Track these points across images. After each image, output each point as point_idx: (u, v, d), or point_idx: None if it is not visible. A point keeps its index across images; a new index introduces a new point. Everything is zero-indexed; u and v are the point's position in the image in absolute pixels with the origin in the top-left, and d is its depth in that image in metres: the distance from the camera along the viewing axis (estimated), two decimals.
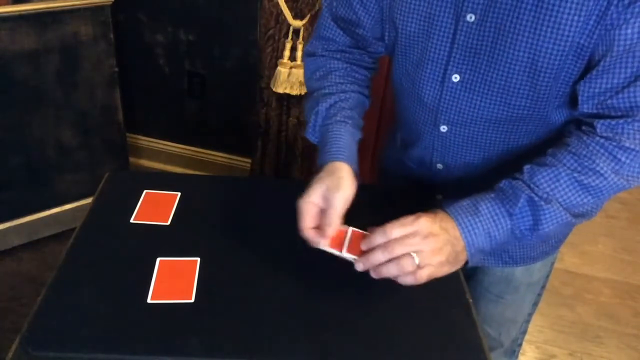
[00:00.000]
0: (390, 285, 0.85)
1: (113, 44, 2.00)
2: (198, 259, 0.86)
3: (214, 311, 0.78)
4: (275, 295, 0.81)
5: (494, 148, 0.96)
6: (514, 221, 0.81)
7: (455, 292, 0.85)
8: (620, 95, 0.80)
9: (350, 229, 0.84)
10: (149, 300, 0.78)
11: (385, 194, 1.07)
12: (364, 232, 0.83)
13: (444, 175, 1.04)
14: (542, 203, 0.80)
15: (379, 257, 0.76)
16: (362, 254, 0.79)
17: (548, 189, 0.81)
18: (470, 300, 0.84)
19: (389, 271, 0.76)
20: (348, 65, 1.03)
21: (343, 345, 0.74)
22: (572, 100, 0.87)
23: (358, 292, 0.83)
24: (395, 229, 0.77)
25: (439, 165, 1.03)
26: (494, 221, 0.80)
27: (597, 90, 0.81)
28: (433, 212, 0.80)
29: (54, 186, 2.10)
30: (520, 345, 1.28)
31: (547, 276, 1.17)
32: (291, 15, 1.98)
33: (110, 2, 1.93)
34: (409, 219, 0.78)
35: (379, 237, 0.77)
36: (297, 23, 1.99)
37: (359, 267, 0.78)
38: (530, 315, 1.22)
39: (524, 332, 1.25)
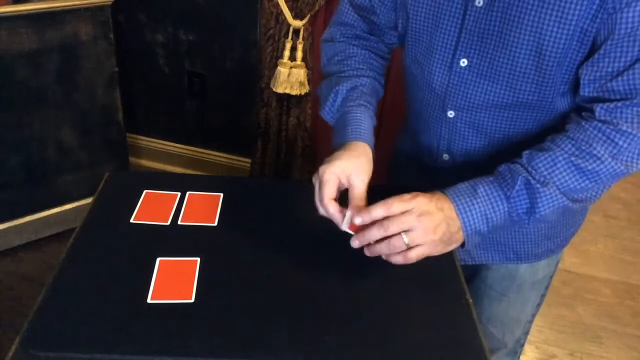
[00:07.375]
0: (390, 285, 0.85)
1: (113, 44, 2.00)
2: (198, 259, 0.86)
3: (214, 311, 0.78)
4: (275, 295, 0.81)
5: (498, 135, 0.97)
6: (511, 204, 0.82)
7: (455, 292, 0.85)
8: (619, 78, 0.81)
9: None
10: (149, 300, 0.78)
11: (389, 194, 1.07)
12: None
13: (448, 167, 1.05)
14: (539, 186, 0.81)
15: (374, 234, 0.78)
16: (358, 229, 0.80)
17: (545, 173, 0.82)
18: (471, 301, 0.84)
19: (381, 249, 0.79)
20: (366, 51, 1.05)
21: (343, 345, 0.74)
22: (576, 87, 0.88)
23: (358, 292, 0.83)
24: (396, 204, 0.79)
25: (445, 156, 1.04)
26: (490, 203, 0.82)
27: (597, 73, 0.82)
28: (430, 193, 0.82)
29: (54, 186, 2.10)
30: (522, 345, 1.27)
31: (551, 276, 1.17)
32: (291, 15, 1.98)
33: (110, 2, 1.93)
34: (407, 196, 0.80)
35: (380, 209, 0.78)
36: (297, 23, 1.99)
37: (355, 244, 0.80)
38: (533, 315, 1.22)
39: (527, 333, 1.25)
